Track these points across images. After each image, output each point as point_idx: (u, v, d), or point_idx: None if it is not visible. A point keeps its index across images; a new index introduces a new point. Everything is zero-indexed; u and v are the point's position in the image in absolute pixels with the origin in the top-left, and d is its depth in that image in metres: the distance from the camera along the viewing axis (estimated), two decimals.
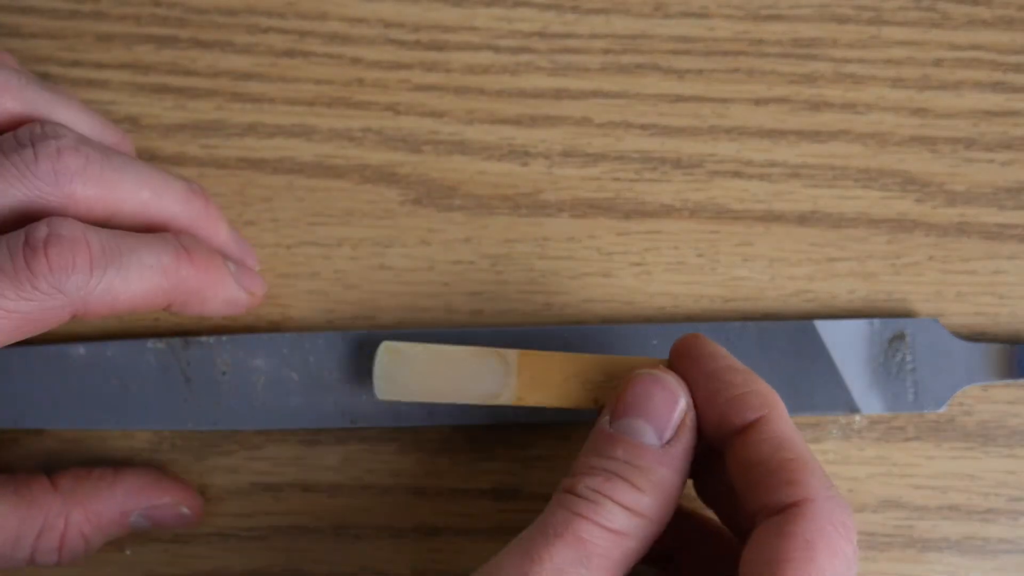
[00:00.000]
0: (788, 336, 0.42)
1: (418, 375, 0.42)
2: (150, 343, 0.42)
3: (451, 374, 0.41)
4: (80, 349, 0.42)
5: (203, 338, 0.42)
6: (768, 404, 0.35)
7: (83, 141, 0.36)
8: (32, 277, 0.34)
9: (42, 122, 0.36)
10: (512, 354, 0.41)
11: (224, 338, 0.42)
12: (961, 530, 0.43)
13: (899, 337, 0.42)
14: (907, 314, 0.44)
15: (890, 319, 0.43)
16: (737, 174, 0.44)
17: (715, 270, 0.44)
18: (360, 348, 0.42)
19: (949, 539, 0.43)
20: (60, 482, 0.40)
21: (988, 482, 0.43)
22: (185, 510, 0.42)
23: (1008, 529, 0.43)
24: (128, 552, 0.43)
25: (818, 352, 0.42)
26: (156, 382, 0.42)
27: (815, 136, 0.45)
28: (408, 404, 0.42)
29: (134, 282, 0.36)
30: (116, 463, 0.43)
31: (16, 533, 0.38)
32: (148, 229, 0.38)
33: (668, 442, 0.35)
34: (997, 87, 0.45)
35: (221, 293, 0.39)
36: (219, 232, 0.40)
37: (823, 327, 0.42)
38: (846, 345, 0.42)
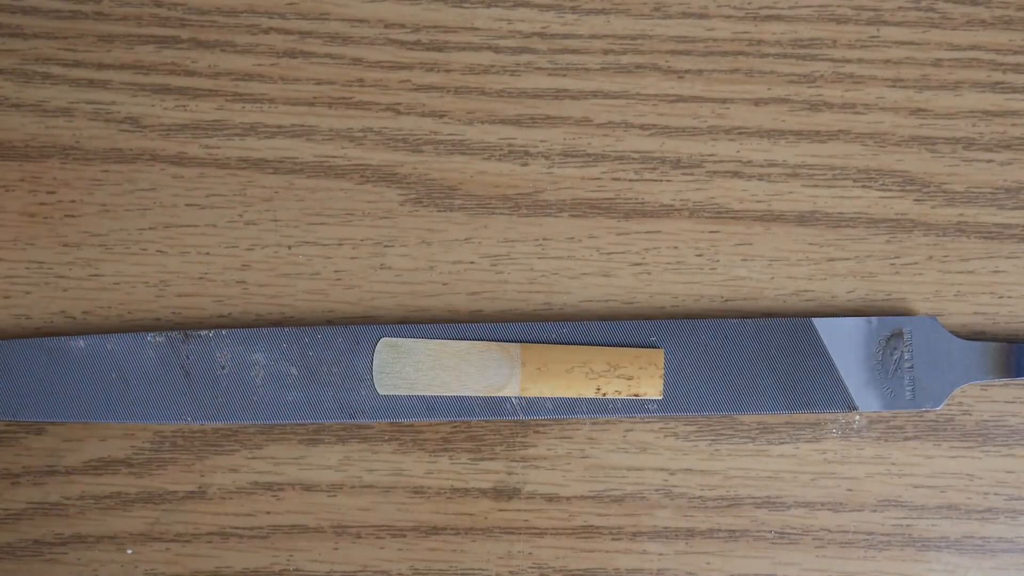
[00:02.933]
0: (786, 334, 0.42)
1: (420, 369, 0.42)
2: (150, 337, 0.42)
3: (455, 368, 0.41)
4: (80, 342, 0.42)
5: (203, 332, 0.42)
6: None
7: None
8: None
9: None
10: (515, 347, 0.41)
11: (224, 332, 0.42)
12: (960, 529, 0.43)
13: (897, 335, 0.42)
14: (906, 313, 0.44)
15: (888, 317, 0.43)
16: (737, 174, 0.45)
17: (715, 270, 0.44)
18: (359, 343, 0.42)
19: (948, 538, 0.43)
20: None
21: (987, 481, 0.43)
22: None
23: (1007, 528, 0.43)
24: (129, 551, 0.43)
25: (816, 350, 0.42)
26: (155, 376, 0.42)
27: (814, 136, 0.45)
28: (408, 400, 0.42)
29: None
30: (117, 463, 0.43)
31: None
32: None
33: None
34: (996, 87, 0.45)
35: None
36: None
37: (821, 325, 0.42)
38: (844, 343, 0.42)
